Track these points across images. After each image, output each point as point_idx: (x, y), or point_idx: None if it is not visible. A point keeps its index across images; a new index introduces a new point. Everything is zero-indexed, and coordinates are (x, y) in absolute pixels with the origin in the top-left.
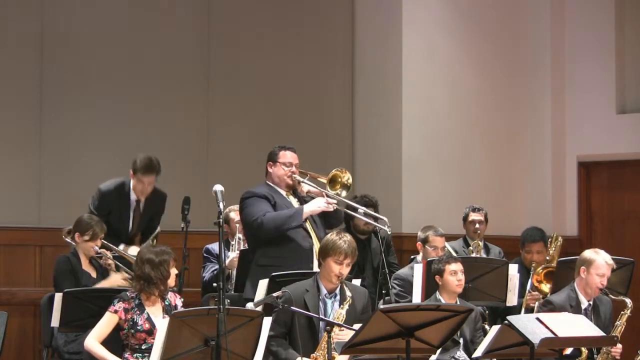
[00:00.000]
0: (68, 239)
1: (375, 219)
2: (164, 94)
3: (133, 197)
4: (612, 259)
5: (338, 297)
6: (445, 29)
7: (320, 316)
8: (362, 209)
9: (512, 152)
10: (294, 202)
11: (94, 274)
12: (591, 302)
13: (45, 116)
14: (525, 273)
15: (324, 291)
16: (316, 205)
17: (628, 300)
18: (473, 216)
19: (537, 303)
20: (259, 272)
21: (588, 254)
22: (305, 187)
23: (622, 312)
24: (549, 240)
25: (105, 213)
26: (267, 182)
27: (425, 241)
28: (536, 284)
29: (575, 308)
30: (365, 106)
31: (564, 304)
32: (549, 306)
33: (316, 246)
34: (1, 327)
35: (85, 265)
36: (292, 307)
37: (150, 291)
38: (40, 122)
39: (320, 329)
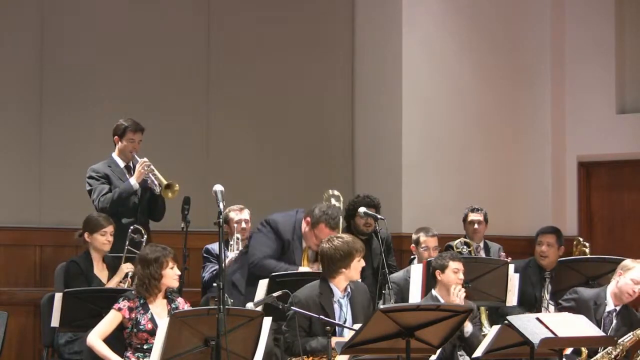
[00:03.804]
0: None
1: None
2: (164, 94)
3: (122, 164)
4: (612, 259)
5: (350, 296)
6: (445, 29)
7: (331, 319)
8: (362, 208)
9: (512, 152)
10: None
11: (104, 280)
12: (618, 308)
13: (45, 116)
14: (537, 271)
15: (338, 294)
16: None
17: None
18: (472, 216)
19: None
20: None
21: (629, 261)
22: None
23: None
24: (574, 244)
25: (105, 181)
26: (300, 230)
27: (417, 243)
28: None
29: (599, 307)
30: (365, 106)
31: (588, 298)
32: (573, 295)
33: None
34: (1, 327)
35: (97, 270)
36: (292, 308)
37: (147, 292)
38: (40, 122)
39: (337, 330)
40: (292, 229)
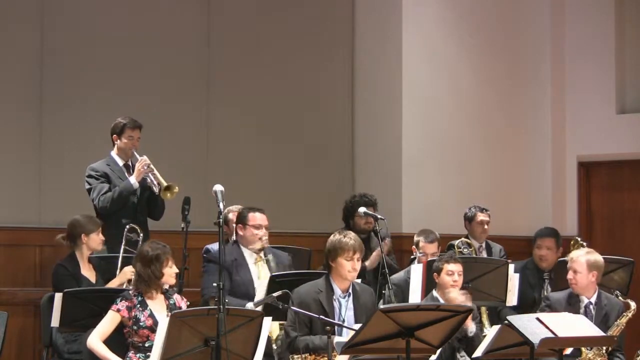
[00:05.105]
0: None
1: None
2: (164, 94)
3: (120, 162)
4: (612, 259)
5: (352, 296)
6: (445, 29)
7: (330, 318)
8: (362, 208)
9: (512, 152)
10: (263, 270)
11: (92, 279)
12: (592, 300)
13: (45, 116)
14: (536, 272)
15: (338, 292)
16: None
17: (632, 303)
18: (482, 217)
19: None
20: None
21: (572, 256)
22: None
23: (624, 314)
24: (572, 244)
25: (105, 180)
26: (237, 241)
27: (417, 246)
28: None
29: (574, 305)
30: (365, 106)
31: (560, 299)
32: (546, 302)
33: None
34: (1, 327)
35: (84, 270)
36: (292, 307)
37: (146, 288)
38: (40, 122)
39: (336, 329)
40: (232, 252)
